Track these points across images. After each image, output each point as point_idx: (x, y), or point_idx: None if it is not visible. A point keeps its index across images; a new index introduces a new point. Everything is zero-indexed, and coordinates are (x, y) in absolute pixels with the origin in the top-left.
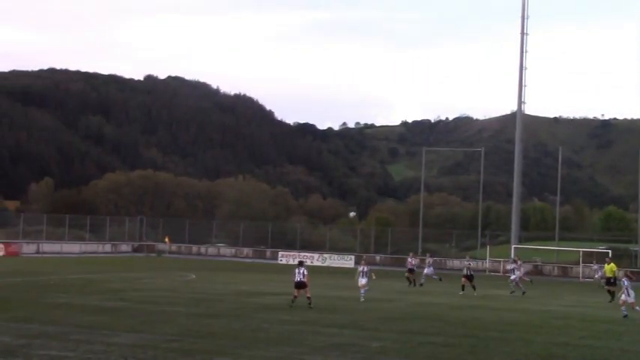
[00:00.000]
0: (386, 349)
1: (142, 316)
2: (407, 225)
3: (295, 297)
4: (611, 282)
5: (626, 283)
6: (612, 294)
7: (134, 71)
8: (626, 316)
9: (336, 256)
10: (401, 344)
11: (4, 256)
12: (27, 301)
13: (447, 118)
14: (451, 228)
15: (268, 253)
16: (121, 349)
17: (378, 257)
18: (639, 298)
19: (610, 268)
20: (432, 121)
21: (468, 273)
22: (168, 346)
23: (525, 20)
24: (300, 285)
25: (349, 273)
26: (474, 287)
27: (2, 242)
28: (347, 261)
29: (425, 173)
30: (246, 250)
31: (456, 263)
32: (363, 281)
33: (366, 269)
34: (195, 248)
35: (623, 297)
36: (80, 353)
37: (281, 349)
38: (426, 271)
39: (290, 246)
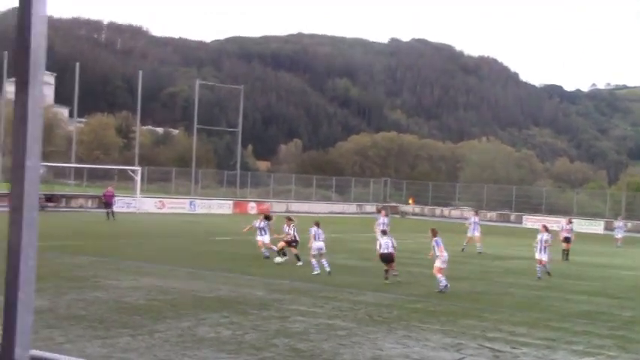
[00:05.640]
0: (639, 320)
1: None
2: None
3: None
4: None
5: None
6: None
7: (379, 34)
8: None
9: (584, 222)
10: None
11: (256, 214)
12: None
13: None
14: None
15: (513, 216)
16: (367, 308)
17: (629, 223)
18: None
19: None
20: None
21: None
22: (412, 307)
23: None
24: (389, 258)
25: (599, 239)
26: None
27: (255, 201)
28: (596, 226)
29: None
30: (489, 214)
31: None
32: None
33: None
34: (438, 210)
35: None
36: (328, 310)
37: (527, 314)
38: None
39: (535, 210)
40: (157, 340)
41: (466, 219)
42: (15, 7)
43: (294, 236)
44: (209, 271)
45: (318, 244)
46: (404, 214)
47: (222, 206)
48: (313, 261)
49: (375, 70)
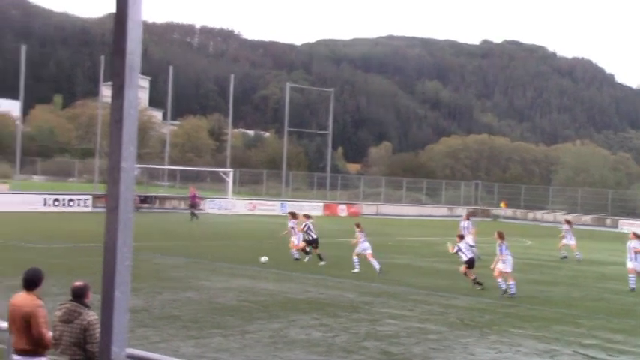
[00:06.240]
0: None
1: (481, 280)
2: None
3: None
4: None
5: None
6: None
7: (470, 36)
8: None
9: None
10: None
11: (347, 216)
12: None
13: None
14: None
15: (608, 221)
16: (458, 312)
17: None
18: None
19: None
20: None
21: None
22: (505, 311)
23: None
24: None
25: None
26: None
27: (345, 203)
28: None
29: None
30: (584, 218)
31: None
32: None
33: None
34: (530, 214)
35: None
36: (419, 313)
37: (624, 320)
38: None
39: (632, 214)
40: (249, 340)
41: (559, 223)
42: (112, 13)
43: (310, 233)
44: (299, 272)
45: (364, 245)
46: (495, 217)
47: (312, 208)
48: (355, 258)
49: (466, 72)
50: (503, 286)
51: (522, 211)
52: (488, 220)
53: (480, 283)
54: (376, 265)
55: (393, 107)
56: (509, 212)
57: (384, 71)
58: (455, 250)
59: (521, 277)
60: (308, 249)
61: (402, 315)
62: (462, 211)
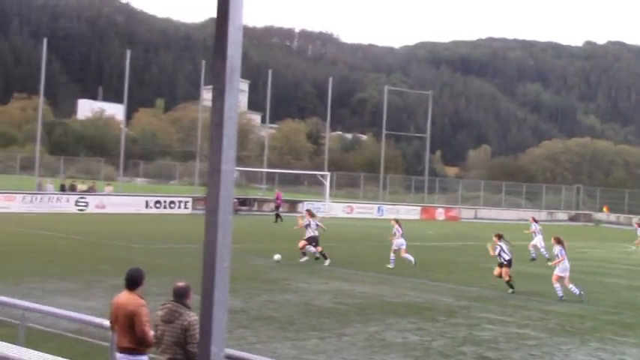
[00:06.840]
0: None
1: (580, 287)
2: None
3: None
4: None
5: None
6: None
7: (573, 37)
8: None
9: None
10: None
11: (444, 220)
12: (466, 265)
13: None
14: None
15: None
16: (558, 318)
17: None
18: None
19: None
20: None
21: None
22: (607, 319)
23: None
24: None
25: None
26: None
27: (443, 207)
28: None
29: None
30: None
31: None
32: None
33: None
34: (634, 219)
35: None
36: (518, 318)
37: None
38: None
39: None
40: (345, 343)
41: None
42: (213, 18)
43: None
44: (396, 276)
45: (400, 241)
46: (598, 222)
47: (409, 212)
48: (392, 255)
49: (568, 74)
50: (560, 293)
51: (626, 216)
52: (590, 224)
53: (512, 287)
54: (410, 258)
55: (492, 110)
56: (612, 217)
57: (483, 74)
58: (497, 252)
59: (624, 284)
60: (311, 249)
61: (500, 320)
62: (562, 215)
